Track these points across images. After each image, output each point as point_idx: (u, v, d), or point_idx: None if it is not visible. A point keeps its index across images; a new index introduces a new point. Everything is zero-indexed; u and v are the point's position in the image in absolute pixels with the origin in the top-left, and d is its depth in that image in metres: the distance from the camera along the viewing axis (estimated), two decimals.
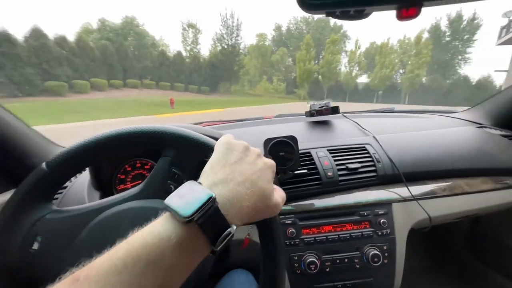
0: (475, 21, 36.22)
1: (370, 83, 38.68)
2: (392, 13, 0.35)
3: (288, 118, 1.06)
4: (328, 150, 0.73)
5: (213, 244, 0.24)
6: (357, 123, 0.89)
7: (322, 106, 0.95)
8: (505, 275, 0.98)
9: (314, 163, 0.69)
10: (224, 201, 0.26)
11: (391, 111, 1.14)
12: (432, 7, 0.34)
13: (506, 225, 0.98)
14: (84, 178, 0.65)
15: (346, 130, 0.88)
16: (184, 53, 36.79)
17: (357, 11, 0.35)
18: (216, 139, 0.37)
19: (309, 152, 0.72)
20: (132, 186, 0.69)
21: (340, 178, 0.68)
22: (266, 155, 0.60)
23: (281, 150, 0.61)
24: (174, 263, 0.22)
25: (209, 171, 0.29)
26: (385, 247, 0.63)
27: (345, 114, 0.98)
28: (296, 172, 0.66)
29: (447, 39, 38.29)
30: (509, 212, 0.84)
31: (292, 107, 16.46)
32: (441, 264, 1.19)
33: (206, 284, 0.46)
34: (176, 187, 0.39)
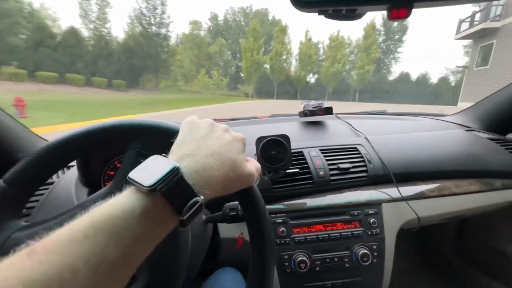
0: (404, 22, 35.37)
1: (322, 79, 33.81)
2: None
3: (282, 118, 1.06)
4: (320, 150, 0.73)
5: (179, 213, 0.24)
6: (350, 124, 0.90)
7: (316, 107, 0.95)
8: (491, 276, 1.00)
9: (306, 163, 0.70)
10: (190, 171, 0.26)
11: (383, 113, 1.15)
12: (423, 8, 0.35)
13: (492, 226, 1.00)
14: (72, 174, 0.63)
15: (338, 130, 0.88)
16: (86, 33, 26.71)
17: (349, 11, 0.35)
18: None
19: (301, 152, 0.72)
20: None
21: (332, 178, 0.68)
22: (258, 154, 0.60)
23: (273, 149, 0.61)
24: (139, 233, 0.22)
25: (175, 149, 0.29)
26: (374, 247, 0.63)
27: (338, 115, 0.99)
28: (288, 171, 0.66)
29: (382, 38, 37.51)
30: (495, 214, 0.86)
31: (250, 107, 13.28)
32: (430, 265, 1.21)
33: (195, 283, 0.46)
34: None
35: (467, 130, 0.93)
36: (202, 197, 0.25)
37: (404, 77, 38.50)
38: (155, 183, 0.23)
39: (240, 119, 1.09)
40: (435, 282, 1.14)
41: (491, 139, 0.87)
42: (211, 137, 0.30)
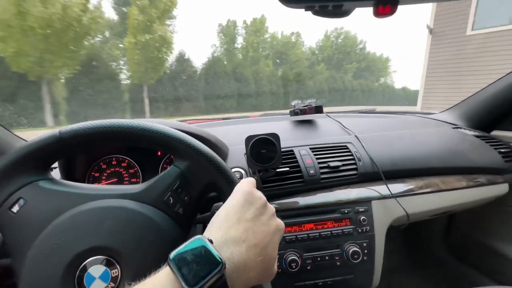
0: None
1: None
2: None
3: (273, 117, 1.06)
4: (310, 148, 0.73)
5: None
6: (340, 123, 0.91)
7: (306, 106, 0.95)
8: (479, 271, 1.02)
9: (297, 161, 0.69)
10: (232, 268, 0.25)
11: (373, 112, 1.17)
12: (408, 5, 0.35)
13: (479, 221, 1.03)
14: (54, 175, 0.61)
15: (329, 129, 0.89)
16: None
17: (335, 7, 0.35)
18: (234, 179, 0.37)
19: (291, 150, 0.72)
20: (108, 185, 0.66)
21: (322, 176, 0.68)
22: (247, 153, 0.60)
23: (263, 147, 0.60)
24: None
25: (222, 222, 0.28)
26: (364, 244, 0.64)
27: (328, 114, 1.00)
28: (278, 170, 0.65)
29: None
30: (481, 209, 0.88)
31: None
32: (419, 261, 1.24)
33: None
34: (174, 202, 0.38)
35: (454, 128, 0.95)
36: None
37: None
38: (198, 284, 0.22)
39: (231, 119, 1.08)
40: (424, 278, 1.16)
41: (477, 136, 0.89)
42: (261, 220, 0.29)
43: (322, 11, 0.36)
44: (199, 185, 0.39)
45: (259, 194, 0.32)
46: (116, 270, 0.32)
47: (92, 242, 0.32)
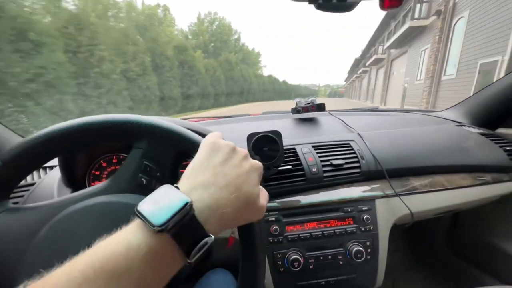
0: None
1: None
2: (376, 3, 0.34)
3: (274, 115, 1.05)
4: (313, 146, 0.72)
5: (187, 255, 0.23)
6: (342, 121, 0.90)
7: (308, 103, 0.94)
8: (483, 270, 1.01)
9: (299, 159, 0.68)
10: (203, 207, 0.24)
11: (376, 109, 1.16)
12: None
13: (484, 221, 1.02)
14: (54, 174, 0.61)
15: (331, 127, 0.88)
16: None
17: (340, 1, 0.34)
18: (202, 135, 0.35)
19: (293, 148, 0.71)
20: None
21: (325, 174, 0.67)
22: (249, 150, 0.59)
23: (265, 145, 0.60)
24: (142, 275, 0.21)
25: (189, 174, 0.27)
26: (368, 243, 0.63)
27: (331, 112, 0.99)
28: (280, 168, 0.65)
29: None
30: (486, 208, 0.87)
31: None
32: (423, 260, 1.23)
33: (184, 286, 0.44)
34: (148, 181, 0.36)
35: (458, 125, 0.93)
36: (213, 237, 0.24)
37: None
38: (165, 223, 0.22)
39: (232, 117, 1.07)
40: (428, 277, 1.15)
41: (481, 134, 0.87)
42: (230, 163, 0.29)
43: (326, 5, 0.35)
44: (167, 158, 0.37)
45: (225, 142, 0.31)
46: None
47: (78, 245, 0.31)
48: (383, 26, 17.82)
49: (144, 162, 0.36)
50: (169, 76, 10.51)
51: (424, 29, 10.05)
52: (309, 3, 0.35)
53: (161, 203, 0.23)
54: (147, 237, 0.22)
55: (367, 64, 25.45)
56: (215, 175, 0.27)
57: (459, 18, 7.63)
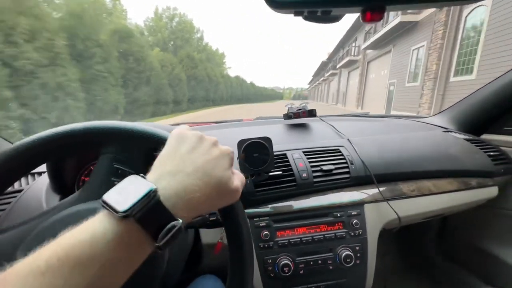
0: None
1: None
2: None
3: (267, 121, 1.06)
4: (303, 152, 0.73)
5: (155, 239, 0.23)
6: (333, 126, 0.91)
7: (300, 109, 0.96)
8: (471, 272, 1.03)
9: (290, 165, 0.69)
10: (170, 193, 0.25)
11: (366, 115, 1.18)
12: (396, 11, 0.35)
13: (471, 224, 1.04)
14: (43, 180, 0.60)
15: (322, 132, 0.89)
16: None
17: (324, 13, 0.36)
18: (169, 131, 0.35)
19: (284, 154, 0.72)
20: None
21: (315, 180, 0.68)
22: (239, 156, 0.59)
23: (255, 151, 0.60)
24: (109, 261, 0.21)
25: (157, 165, 0.28)
26: (357, 248, 0.64)
27: (321, 118, 1.00)
28: (270, 173, 0.65)
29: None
30: (472, 212, 0.89)
31: None
32: (414, 263, 1.24)
33: None
34: None
35: (445, 131, 0.96)
36: (181, 221, 0.24)
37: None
38: (129, 208, 0.22)
39: (225, 122, 1.08)
40: (418, 281, 1.17)
41: (467, 140, 0.90)
42: (198, 151, 0.29)
43: (311, 17, 0.37)
44: (138, 157, 0.37)
45: (193, 132, 0.32)
46: None
47: None
48: (355, 27, 17.55)
49: (115, 166, 0.36)
50: (102, 70, 7.08)
51: (416, 25, 8.99)
52: (295, 15, 0.36)
53: (126, 191, 0.24)
54: (112, 224, 0.22)
55: (337, 66, 24.51)
56: (183, 163, 0.27)
57: (473, 9, 6.44)
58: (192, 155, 0.28)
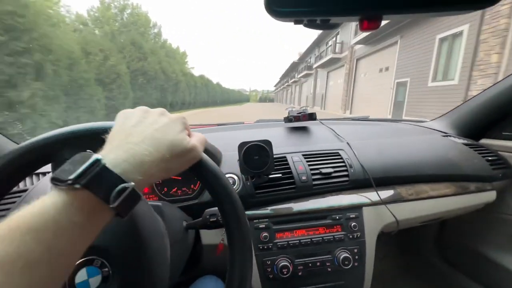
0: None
1: None
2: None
3: (267, 124, 1.07)
4: (303, 155, 0.74)
5: (107, 201, 0.24)
6: (333, 130, 0.92)
7: (300, 113, 0.97)
8: (470, 277, 1.03)
9: (289, 168, 0.70)
10: (118, 162, 0.26)
11: (365, 119, 1.19)
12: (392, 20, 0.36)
13: (469, 228, 1.04)
14: (47, 180, 0.61)
15: (321, 136, 0.90)
16: None
17: (323, 21, 0.37)
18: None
19: (284, 157, 0.73)
20: None
21: (314, 183, 0.69)
22: (240, 159, 0.61)
23: (255, 154, 0.61)
24: (63, 227, 0.22)
25: (106, 144, 0.29)
26: (355, 250, 0.64)
27: (322, 121, 1.01)
28: (270, 176, 0.66)
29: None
30: (471, 216, 0.89)
31: None
32: (412, 266, 1.24)
33: None
34: None
35: (444, 136, 0.97)
36: (133, 183, 0.25)
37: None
38: (74, 177, 0.23)
39: (226, 124, 1.09)
40: (416, 284, 1.17)
41: (466, 144, 0.91)
42: (144, 123, 0.30)
43: (311, 24, 0.38)
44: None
45: (138, 107, 0.33)
46: (106, 268, 0.32)
47: None
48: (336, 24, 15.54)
49: None
50: None
51: None
52: (295, 23, 0.37)
53: (73, 164, 0.25)
54: (61, 194, 0.23)
55: (314, 66, 22.08)
56: (130, 135, 0.28)
57: None
58: (139, 127, 0.29)
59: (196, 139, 0.33)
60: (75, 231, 0.23)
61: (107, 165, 0.25)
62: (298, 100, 38.82)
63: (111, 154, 0.26)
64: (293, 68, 41.83)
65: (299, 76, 33.94)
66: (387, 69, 10.21)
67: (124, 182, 0.25)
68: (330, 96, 18.59)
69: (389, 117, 9.70)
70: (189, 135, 0.33)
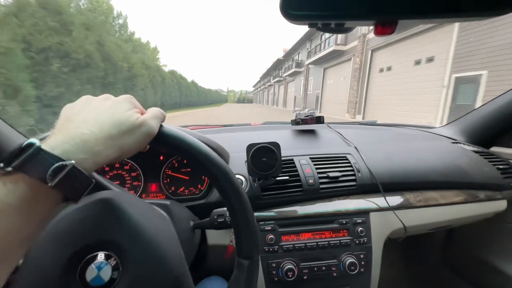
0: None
1: None
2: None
3: (274, 126, 1.07)
4: (310, 158, 0.74)
5: (44, 181, 0.24)
6: (340, 134, 0.92)
7: (308, 116, 0.97)
8: (477, 287, 1.01)
9: (296, 170, 0.70)
10: (56, 143, 0.26)
11: (373, 123, 1.18)
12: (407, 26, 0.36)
13: (477, 237, 1.02)
14: None
15: (329, 139, 0.90)
16: None
17: (337, 25, 0.37)
18: None
19: (292, 160, 0.73)
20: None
21: (321, 186, 0.69)
22: (248, 160, 0.61)
23: (263, 156, 0.61)
24: (4, 209, 0.23)
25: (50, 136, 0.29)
26: (362, 256, 0.64)
27: (329, 125, 1.01)
28: (278, 178, 0.66)
29: None
30: (479, 225, 0.88)
31: None
32: (418, 274, 1.22)
33: None
34: None
35: (453, 142, 0.96)
36: (73, 161, 0.25)
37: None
38: (6, 161, 0.24)
39: (233, 126, 1.09)
40: None
41: (476, 152, 0.89)
42: (86, 109, 0.30)
43: (325, 28, 0.38)
44: None
45: (80, 98, 0.33)
46: (114, 261, 0.32)
47: (93, 237, 0.32)
48: None
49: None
50: None
51: None
52: (309, 27, 0.37)
53: (10, 152, 0.25)
54: None
55: (307, 62, 19.03)
56: (71, 122, 0.28)
57: None
58: (80, 114, 0.29)
59: (148, 115, 0.33)
60: (11, 213, 0.23)
61: (42, 147, 0.25)
62: (283, 102, 33.88)
63: (49, 140, 0.26)
64: (277, 65, 37.67)
65: (285, 74, 29.81)
66: (430, 60, 7.62)
67: (60, 159, 0.25)
68: (329, 97, 15.60)
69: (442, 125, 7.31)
70: (142, 113, 0.33)
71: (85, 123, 0.28)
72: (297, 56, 25.21)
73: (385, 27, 0.36)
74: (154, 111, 0.34)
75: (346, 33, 0.42)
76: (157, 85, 16.05)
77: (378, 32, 0.35)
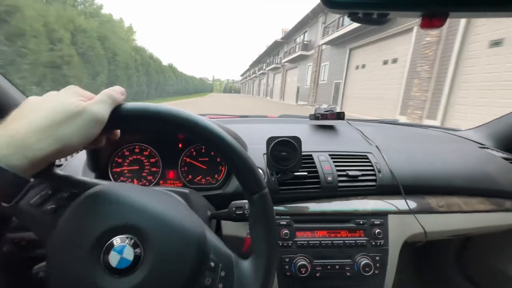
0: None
1: None
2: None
3: (292, 119, 1.05)
4: (330, 155, 0.72)
5: None
6: (361, 131, 0.89)
7: (328, 111, 0.94)
8: None
9: (315, 167, 0.69)
10: (11, 133, 0.26)
11: (395, 122, 1.14)
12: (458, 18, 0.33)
13: (495, 247, 0.98)
14: (81, 157, 0.63)
15: (349, 137, 0.87)
16: None
17: (380, 15, 0.34)
18: None
19: (310, 155, 0.71)
20: (128, 171, 0.68)
21: (340, 184, 0.67)
22: (267, 153, 0.60)
23: (283, 149, 0.60)
24: None
25: None
26: (377, 258, 0.62)
27: (349, 121, 0.98)
28: (296, 173, 0.65)
29: None
30: (500, 235, 0.84)
31: None
32: (429, 279, 1.20)
33: None
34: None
35: (481, 147, 0.91)
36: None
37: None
38: None
39: (249, 117, 1.08)
40: None
41: (505, 159, 0.85)
42: (24, 108, 0.30)
43: (366, 19, 0.36)
44: None
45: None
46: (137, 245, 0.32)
47: (112, 222, 0.32)
48: None
49: None
50: None
51: None
52: (349, 16, 0.35)
53: None
54: None
55: (321, 42, 14.13)
56: (7, 122, 0.28)
57: None
58: (40, 108, 0.29)
59: (91, 101, 0.31)
60: None
61: None
62: (280, 94, 26.70)
63: None
64: (273, 50, 29.98)
65: (284, 60, 23.64)
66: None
67: None
68: (359, 90, 10.62)
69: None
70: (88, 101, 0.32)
71: (16, 120, 0.28)
72: (302, 36, 19.35)
73: (432, 19, 0.33)
74: (100, 95, 0.32)
75: (382, 25, 0.39)
76: (120, 68, 11.81)
77: (424, 25, 0.33)
